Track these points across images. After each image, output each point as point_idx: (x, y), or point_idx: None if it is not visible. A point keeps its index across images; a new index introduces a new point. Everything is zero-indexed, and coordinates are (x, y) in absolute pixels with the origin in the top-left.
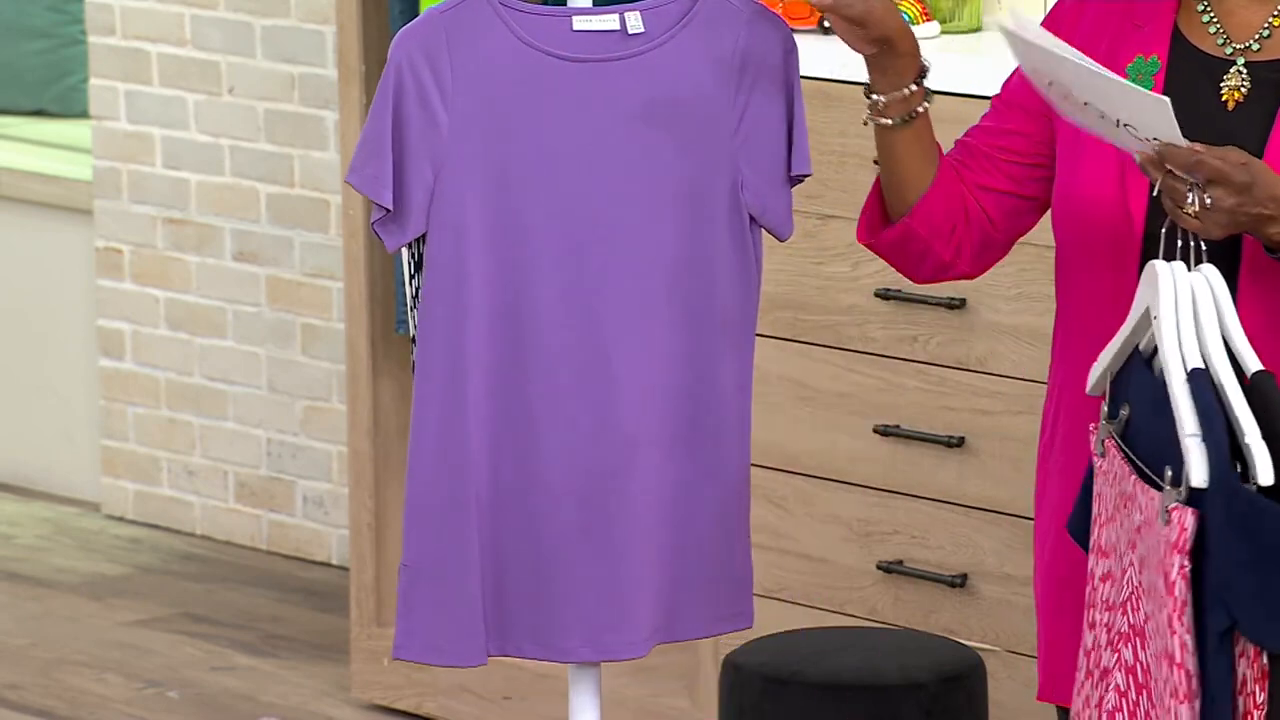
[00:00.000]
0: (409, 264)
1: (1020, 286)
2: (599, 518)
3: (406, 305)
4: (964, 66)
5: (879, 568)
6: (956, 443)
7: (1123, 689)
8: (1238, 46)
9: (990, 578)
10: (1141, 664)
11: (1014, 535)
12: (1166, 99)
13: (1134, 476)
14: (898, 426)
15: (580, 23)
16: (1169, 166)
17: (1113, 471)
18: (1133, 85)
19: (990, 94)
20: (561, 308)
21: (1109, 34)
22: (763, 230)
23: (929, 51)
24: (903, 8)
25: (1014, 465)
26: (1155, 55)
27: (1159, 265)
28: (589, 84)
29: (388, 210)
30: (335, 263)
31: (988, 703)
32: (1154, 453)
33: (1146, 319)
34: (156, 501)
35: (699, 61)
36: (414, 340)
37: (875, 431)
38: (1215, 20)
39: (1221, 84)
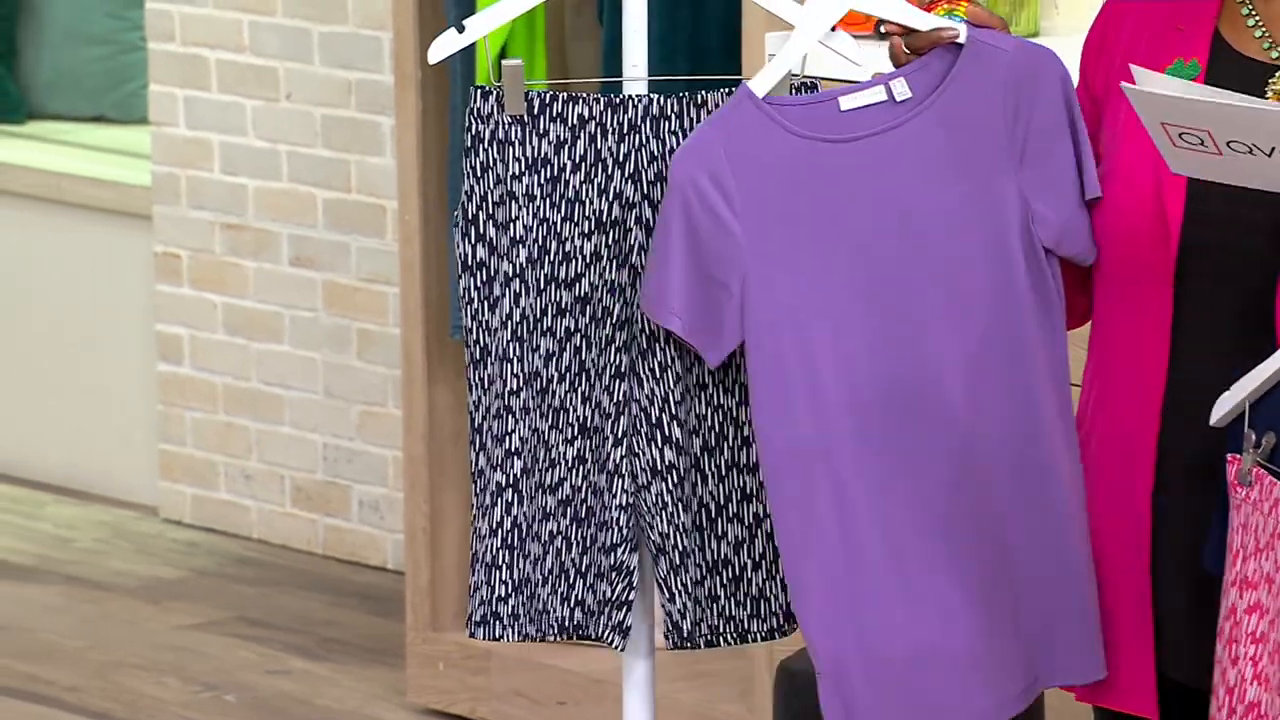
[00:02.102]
0: (460, 264)
1: None
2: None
3: (461, 309)
4: None
5: None
6: None
7: None
8: None
9: None
10: None
11: None
12: None
13: None
14: None
15: (847, 102)
16: None
17: (1268, 500)
18: None
19: None
20: (888, 371)
21: (1150, 35)
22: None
23: None
24: (958, 12)
25: None
26: (1195, 59)
27: None
28: (869, 160)
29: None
30: (391, 268)
31: (1043, 705)
32: None
33: None
34: (213, 505)
35: (972, 109)
36: (467, 344)
37: None
38: (1261, 24)
39: (1266, 89)
